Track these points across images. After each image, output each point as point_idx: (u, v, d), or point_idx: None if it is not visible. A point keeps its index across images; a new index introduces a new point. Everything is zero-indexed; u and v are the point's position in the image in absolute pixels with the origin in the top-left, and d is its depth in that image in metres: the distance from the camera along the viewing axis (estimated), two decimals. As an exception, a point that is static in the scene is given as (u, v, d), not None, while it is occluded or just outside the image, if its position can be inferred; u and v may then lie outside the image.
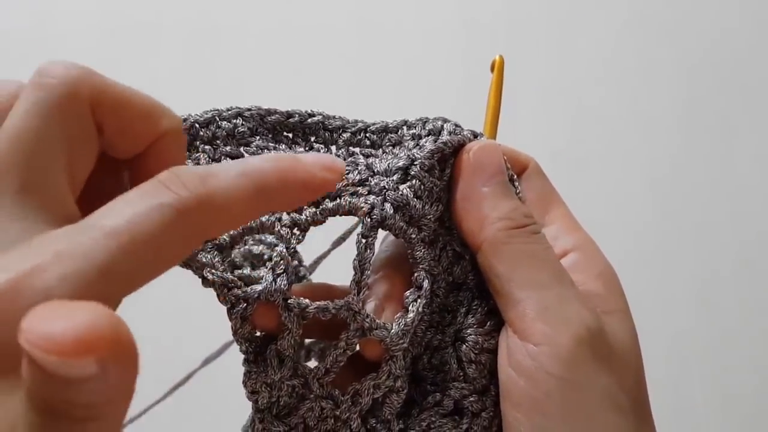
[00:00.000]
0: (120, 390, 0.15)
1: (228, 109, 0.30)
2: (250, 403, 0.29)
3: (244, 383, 0.28)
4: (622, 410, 0.28)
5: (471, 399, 0.29)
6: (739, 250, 0.82)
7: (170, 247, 0.19)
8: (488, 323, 0.30)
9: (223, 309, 0.28)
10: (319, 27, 0.87)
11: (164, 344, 0.68)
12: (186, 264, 0.28)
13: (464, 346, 0.30)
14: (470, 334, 0.30)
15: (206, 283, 0.28)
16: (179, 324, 0.72)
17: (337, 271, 0.32)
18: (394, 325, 0.28)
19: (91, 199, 0.23)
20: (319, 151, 0.31)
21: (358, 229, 0.29)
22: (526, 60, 0.86)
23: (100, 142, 0.22)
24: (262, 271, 0.31)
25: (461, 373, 0.30)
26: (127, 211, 0.18)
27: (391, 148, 0.31)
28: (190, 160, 0.29)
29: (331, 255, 0.34)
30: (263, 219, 0.28)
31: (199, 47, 0.86)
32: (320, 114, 0.32)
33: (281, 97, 0.87)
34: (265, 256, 0.33)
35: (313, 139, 0.31)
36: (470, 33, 0.87)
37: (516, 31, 0.87)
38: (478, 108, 0.34)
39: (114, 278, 0.17)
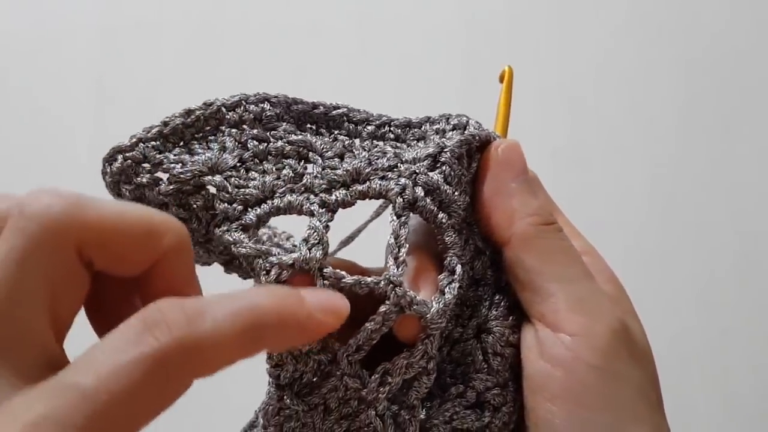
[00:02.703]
0: None
1: (255, 95, 0.29)
2: (270, 379, 0.27)
3: (269, 355, 0.27)
4: (652, 404, 0.28)
5: (494, 392, 0.29)
6: (738, 249, 0.83)
7: (152, 398, 0.18)
8: (511, 317, 0.30)
9: None
10: (320, 26, 0.87)
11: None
12: (207, 248, 0.27)
13: (491, 337, 0.30)
14: (496, 326, 0.30)
15: (230, 268, 0.27)
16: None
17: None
18: (433, 302, 0.27)
19: (102, 311, 0.22)
20: (343, 143, 0.31)
21: (388, 211, 0.28)
22: (526, 59, 0.86)
23: (91, 275, 0.21)
24: (288, 244, 0.30)
25: (485, 366, 0.30)
26: (104, 368, 0.17)
27: (415, 142, 0.31)
28: (215, 144, 0.29)
29: (349, 249, 0.34)
30: (291, 199, 0.28)
31: (200, 47, 0.86)
32: (345, 107, 0.32)
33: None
34: (290, 239, 0.32)
35: (336, 132, 0.31)
36: (470, 31, 0.87)
37: (516, 30, 0.87)
38: (477, 107, 0.34)
39: None
